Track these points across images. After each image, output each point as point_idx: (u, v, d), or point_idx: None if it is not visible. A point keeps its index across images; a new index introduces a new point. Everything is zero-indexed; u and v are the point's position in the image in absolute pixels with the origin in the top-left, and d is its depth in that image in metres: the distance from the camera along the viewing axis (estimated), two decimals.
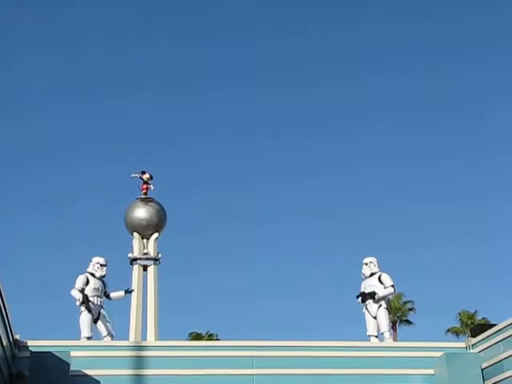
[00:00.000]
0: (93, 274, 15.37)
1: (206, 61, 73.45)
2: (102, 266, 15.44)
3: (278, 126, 76.36)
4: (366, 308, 15.48)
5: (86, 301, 14.95)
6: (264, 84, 76.27)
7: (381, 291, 15.39)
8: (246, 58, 76.40)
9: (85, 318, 14.96)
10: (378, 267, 15.73)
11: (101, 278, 15.44)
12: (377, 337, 15.30)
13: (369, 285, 15.57)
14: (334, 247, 72.15)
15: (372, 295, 15.37)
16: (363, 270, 15.78)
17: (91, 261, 15.57)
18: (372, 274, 15.63)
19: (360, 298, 15.57)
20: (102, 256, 15.67)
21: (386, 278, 15.53)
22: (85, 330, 14.84)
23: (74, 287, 15.17)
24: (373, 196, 75.53)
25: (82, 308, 14.99)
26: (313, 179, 76.92)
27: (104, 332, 15.18)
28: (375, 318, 15.35)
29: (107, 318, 15.31)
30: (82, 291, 15.04)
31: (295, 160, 75.97)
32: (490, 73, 76.34)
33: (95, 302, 15.14)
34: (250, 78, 77.64)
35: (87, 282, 15.20)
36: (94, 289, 15.20)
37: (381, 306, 15.41)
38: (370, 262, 15.75)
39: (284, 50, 73.94)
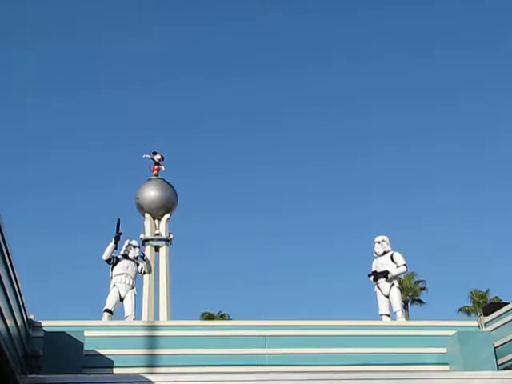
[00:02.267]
0: (125, 256, 15.56)
1: (212, 46, 73.14)
2: (134, 247, 15.69)
3: (278, 107, 76.11)
4: (378, 287, 15.48)
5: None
6: (265, 68, 75.90)
7: (393, 270, 15.38)
8: (246, 43, 76.05)
9: (112, 293, 15.24)
10: (390, 246, 15.73)
11: (134, 260, 15.63)
12: (389, 316, 15.31)
13: (381, 263, 15.57)
14: (345, 227, 72.16)
15: (385, 274, 15.37)
16: (375, 249, 15.77)
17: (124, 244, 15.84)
18: (384, 253, 15.63)
19: (372, 277, 15.57)
20: (134, 239, 15.94)
21: (398, 256, 15.51)
22: (108, 303, 15.05)
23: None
24: (386, 175, 75.37)
25: (113, 285, 15.23)
26: (325, 162, 76.72)
27: (127, 312, 15.25)
28: (387, 296, 15.35)
29: (134, 299, 15.37)
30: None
31: (314, 145, 75.71)
32: None
33: (125, 281, 15.27)
34: (251, 63, 77.29)
35: (117, 261, 15.39)
36: (124, 267, 15.37)
37: (393, 284, 15.41)
38: (383, 241, 15.73)
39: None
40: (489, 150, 74.96)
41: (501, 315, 13.79)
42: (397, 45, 76.19)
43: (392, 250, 15.67)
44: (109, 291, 15.28)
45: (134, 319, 15.12)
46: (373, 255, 15.84)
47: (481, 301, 53.93)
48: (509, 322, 13.42)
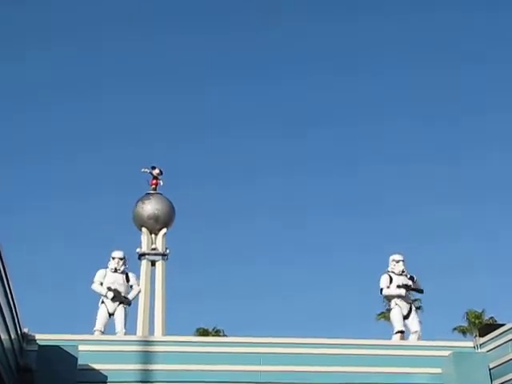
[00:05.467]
0: (112, 269, 15.40)
1: (210, 55, 73.36)
2: (120, 259, 15.46)
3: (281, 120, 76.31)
4: (397, 304, 15.47)
5: (117, 295, 14.99)
6: (268, 77, 76.13)
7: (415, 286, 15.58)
8: (248, 52, 76.25)
9: (101, 311, 15.03)
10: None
11: (122, 272, 15.43)
12: (403, 332, 15.31)
13: (402, 282, 15.53)
14: (344, 242, 72.02)
15: (420, 291, 15.55)
16: (396, 268, 15.63)
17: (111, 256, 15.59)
18: (402, 272, 15.63)
19: (402, 290, 15.43)
20: (119, 250, 15.69)
21: (416, 279, 15.63)
22: (97, 324, 14.91)
23: (93, 282, 15.25)
24: (381, 192, 75.32)
25: (101, 302, 15.04)
26: (320, 178, 76.79)
27: (118, 327, 15.09)
28: (405, 317, 15.38)
29: (124, 313, 15.18)
30: (109, 288, 15.06)
31: (310, 160, 75.87)
32: None
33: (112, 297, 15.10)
34: (252, 71, 77.43)
35: (105, 276, 15.26)
36: (110, 282, 15.20)
37: (412, 305, 15.56)
38: (402, 260, 15.67)
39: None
40: (479, 164, 75.09)
41: (497, 336, 13.77)
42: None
43: (408, 272, 15.70)
44: (98, 308, 15.11)
45: (126, 334, 14.95)
46: (389, 273, 15.63)
47: (476, 321, 53.80)
48: (504, 343, 13.40)
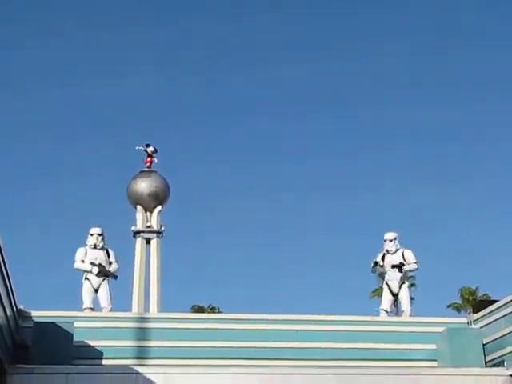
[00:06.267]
0: (92, 245, 15.35)
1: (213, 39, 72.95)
2: (98, 235, 15.41)
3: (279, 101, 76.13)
4: (387, 283, 15.49)
5: (102, 270, 15.01)
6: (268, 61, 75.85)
7: (406, 267, 15.44)
8: (250, 34, 75.91)
9: (85, 288, 15.02)
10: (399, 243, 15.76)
11: (101, 248, 15.39)
12: (387, 312, 15.33)
13: (392, 261, 15.53)
14: (340, 222, 72.01)
15: (399, 266, 15.37)
16: (387, 247, 15.62)
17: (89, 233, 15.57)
18: (396, 251, 15.63)
19: (394, 268, 15.42)
20: (97, 226, 15.66)
21: (410, 254, 15.56)
22: (85, 302, 14.90)
23: (75, 261, 15.24)
24: (380, 170, 75.28)
25: (84, 278, 15.05)
26: (326, 158, 76.63)
27: (103, 303, 15.10)
28: (395, 295, 15.37)
29: (108, 288, 15.19)
30: (93, 264, 15.07)
31: (314, 138, 75.74)
32: None
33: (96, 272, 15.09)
34: (252, 57, 77.09)
35: (86, 254, 15.23)
36: (93, 258, 15.16)
37: (404, 283, 15.48)
38: (395, 239, 15.69)
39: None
40: (476, 147, 75.08)
41: (490, 312, 13.87)
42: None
43: (401, 247, 15.69)
44: (82, 284, 15.12)
45: (111, 310, 14.95)
46: (383, 252, 15.71)
47: (470, 298, 54.10)
48: (498, 319, 13.49)
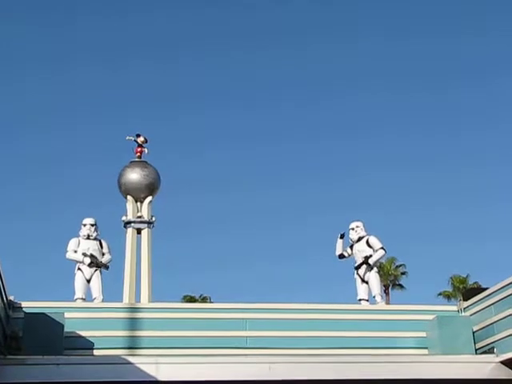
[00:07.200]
0: (85, 235, 15.38)
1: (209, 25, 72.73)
2: (91, 225, 15.43)
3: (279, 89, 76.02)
4: (357, 273, 15.46)
5: (94, 260, 15.03)
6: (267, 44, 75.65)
7: (372, 255, 15.36)
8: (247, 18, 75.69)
9: (78, 278, 15.03)
10: (365, 231, 15.67)
11: (94, 239, 15.42)
12: (367, 301, 15.31)
13: (358, 250, 15.51)
14: (327, 209, 72.22)
15: (366, 261, 15.30)
16: (350, 236, 15.69)
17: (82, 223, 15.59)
18: (359, 239, 15.58)
19: (357, 267, 15.42)
20: (90, 217, 15.68)
21: (374, 240, 15.46)
22: (77, 292, 14.92)
23: (67, 251, 15.25)
24: (367, 160, 75.50)
25: (77, 268, 15.07)
26: (310, 144, 76.74)
27: (95, 293, 15.13)
28: (366, 282, 15.32)
29: (100, 279, 15.22)
30: (85, 254, 15.08)
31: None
32: None
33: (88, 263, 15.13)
34: (252, 40, 76.87)
35: (78, 244, 15.25)
36: (85, 249, 15.18)
37: (372, 269, 15.41)
38: (357, 227, 15.62)
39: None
40: (465, 135, 75.25)
41: (480, 300, 13.92)
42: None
43: (367, 234, 15.63)
44: (74, 275, 15.16)
45: (103, 301, 14.97)
46: (348, 242, 15.83)
47: (461, 286, 54.38)
48: (488, 306, 13.55)
